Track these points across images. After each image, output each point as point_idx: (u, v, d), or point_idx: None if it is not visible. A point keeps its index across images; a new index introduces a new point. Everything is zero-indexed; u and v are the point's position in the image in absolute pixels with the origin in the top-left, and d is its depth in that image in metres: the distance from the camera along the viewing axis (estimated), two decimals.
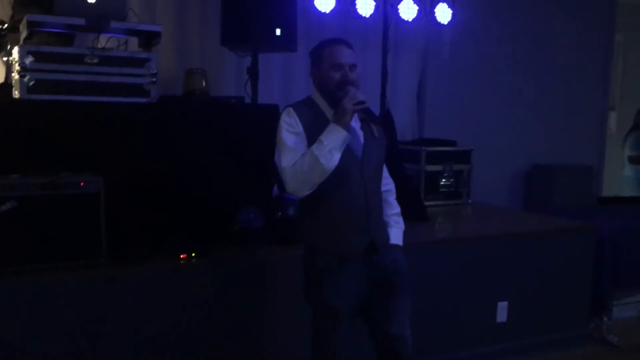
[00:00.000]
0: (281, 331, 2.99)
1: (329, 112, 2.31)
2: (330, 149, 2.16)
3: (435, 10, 4.43)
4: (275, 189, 3.66)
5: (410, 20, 4.37)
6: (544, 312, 3.80)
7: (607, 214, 5.03)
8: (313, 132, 2.24)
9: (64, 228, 2.67)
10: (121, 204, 2.84)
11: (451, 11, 4.46)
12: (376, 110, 4.30)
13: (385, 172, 2.56)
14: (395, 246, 2.48)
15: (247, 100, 3.67)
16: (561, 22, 5.64)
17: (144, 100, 3.07)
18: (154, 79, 3.09)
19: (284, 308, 3.00)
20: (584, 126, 5.94)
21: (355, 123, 2.35)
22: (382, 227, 2.46)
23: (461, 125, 5.09)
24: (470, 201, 4.75)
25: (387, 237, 2.46)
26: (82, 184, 2.71)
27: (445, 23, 4.50)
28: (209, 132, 3.15)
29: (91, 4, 2.94)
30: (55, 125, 2.86)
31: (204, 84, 3.41)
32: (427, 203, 4.42)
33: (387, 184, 2.56)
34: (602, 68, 6.04)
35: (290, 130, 2.27)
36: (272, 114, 3.37)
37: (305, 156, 2.19)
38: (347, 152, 2.25)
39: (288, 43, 3.66)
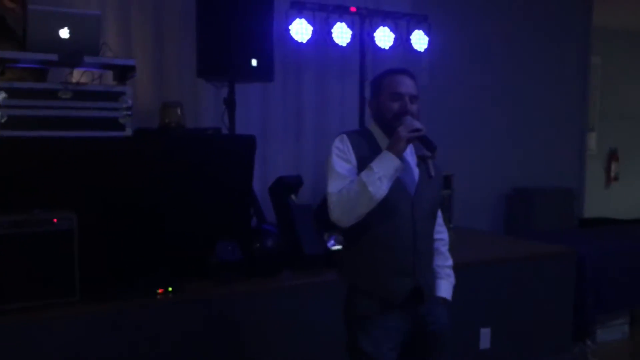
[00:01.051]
0: None
1: (384, 144, 2.15)
2: (381, 176, 2.02)
3: (411, 37, 4.47)
4: (254, 220, 3.65)
5: (387, 48, 4.41)
6: (528, 338, 3.78)
7: (588, 236, 5.06)
8: (365, 161, 2.10)
9: (37, 266, 2.63)
10: (96, 240, 2.81)
11: (427, 38, 4.50)
12: None
13: (440, 220, 2.38)
14: (443, 300, 2.30)
15: (225, 131, 3.66)
16: (538, 46, 5.72)
17: (119, 134, 3.05)
18: (129, 113, 3.07)
19: (264, 342, 2.96)
20: (563, 148, 5.99)
21: (412, 159, 2.24)
22: (431, 276, 2.28)
23: (442, 150, 5.01)
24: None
25: (434, 289, 2.28)
26: (55, 220, 2.67)
27: (422, 50, 4.54)
28: (185, 164, 3.12)
29: (64, 39, 2.92)
30: (28, 162, 2.82)
31: (179, 115, 3.39)
32: None
33: (441, 232, 2.39)
34: (580, 90, 6.11)
35: (341, 156, 2.15)
36: (249, 145, 3.37)
37: (353, 183, 2.06)
38: (399, 186, 2.12)
39: (265, 73, 3.66)
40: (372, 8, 4.54)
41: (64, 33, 2.93)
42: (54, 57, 2.89)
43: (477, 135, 5.40)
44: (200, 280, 3.00)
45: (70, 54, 2.92)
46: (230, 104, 3.68)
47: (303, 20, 4.08)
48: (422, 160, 2.20)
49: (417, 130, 2.08)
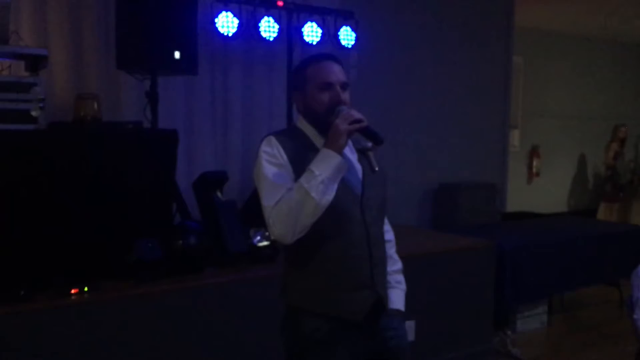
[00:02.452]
0: None
1: (318, 141, 1.90)
2: (324, 179, 1.74)
3: (339, 33, 4.48)
4: (178, 217, 3.57)
5: (314, 43, 4.39)
6: (451, 329, 3.87)
7: (510, 229, 5.23)
8: (300, 164, 1.82)
9: None
10: (6, 239, 2.66)
11: (355, 34, 4.52)
12: None
13: (385, 219, 2.10)
14: (397, 312, 2.04)
15: (147, 125, 3.55)
16: (462, 45, 5.85)
17: (30, 127, 2.90)
18: (42, 105, 2.93)
19: (183, 342, 2.89)
20: (487, 145, 6.16)
21: (352, 154, 1.97)
22: (386, 286, 2.02)
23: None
24: None
25: (387, 300, 2.02)
26: None
27: (350, 46, 4.55)
28: (101, 159, 3.01)
29: None
30: None
31: (95, 108, 3.26)
32: None
33: (387, 231, 2.12)
34: (502, 89, 6.30)
35: (271, 162, 1.84)
36: (170, 139, 3.29)
37: (292, 191, 1.77)
38: (344, 188, 1.85)
39: (188, 66, 3.57)
40: (300, 3, 4.52)
41: None
42: None
43: (404, 132, 5.48)
44: (118, 279, 2.89)
45: None
46: (152, 97, 3.57)
47: (229, 13, 4.01)
48: (362, 153, 1.93)
49: (358, 120, 1.81)
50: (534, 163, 8.56)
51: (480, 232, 4.64)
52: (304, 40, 4.37)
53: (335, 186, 1.78)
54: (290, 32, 4.30)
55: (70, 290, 2.71)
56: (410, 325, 3.66)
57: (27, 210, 2.78)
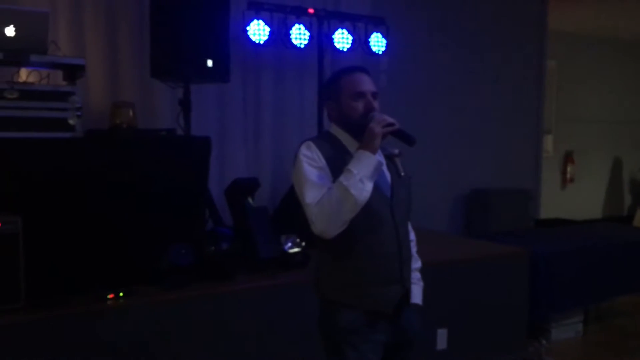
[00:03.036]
0: None
1: (352, 146, 2.06)
2: (362, 177, 1.89)
3: (369, 40, 4.49)
4: (210, 223, 3.61)
5: (345, 50, 4.41)
6: (483, 338, 3.81)
7: (544, 236, 5.14)
8: (336, 167, 1.99)
9: None
10: (43, 245, 2.72)
11: (385, 40, 4.52)
12: None
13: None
14: (414, 307, 2.19)
15: (180, 132, 3.60)
16: (495, 49, 5.80)
17: (67, 134, 2.97)
18: (79, 113, 3.00)
19: (215, 346, 2.91)
20: (520, 150, 6.09)
21: (381, 159, 2.07)
22: (411, 281, 2.19)
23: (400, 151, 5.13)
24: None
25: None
26: None
27: (380, 52, 4.56)
28: (137, 166, 3.06)
29: (10, 37, 2.84)
30: None
31: (131, 116, 3.32)
32: None
33: (410, 231, 2.25)
34: (536, 93, 6.22)
35: (312, 164, 2.00)
36: (204, 146, 3.33)
37: (332, 190, 1.92)
38: (375, 190, 1.98)
39: (221, 74, 3.62)
40: (331, 10, 4.54)
41: (10, 31, 2.85)
42: None
43: (436, 137, 5.45)
44: (151, 284, 2.93)
45: (16, 53, 2.84)
46: (185, 104, 3.63)
47: (261, 21, 4.06)
48: (390, 160, 2.11)
49: (391, 124, 1.98)
50: (568, 169, 8.40)
51: (513, 239, 4.58)
52: (335, 47, 4.39)
53: (372, 184, 1.93)
54: (321, 39, 4.32)
55: (107, 295, 2.76)
56: (442, 333, 3.64)
57: (64, 215, 2.84)
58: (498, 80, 5.80)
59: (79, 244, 2.85)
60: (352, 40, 4.42)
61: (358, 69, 2.15)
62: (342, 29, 4.37)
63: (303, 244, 3.45)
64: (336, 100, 2.12)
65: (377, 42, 4.52)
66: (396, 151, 2.09)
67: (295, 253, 3.41)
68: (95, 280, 2.81)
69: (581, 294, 4.54)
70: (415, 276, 2.24)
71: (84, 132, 3.08)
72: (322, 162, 2.01)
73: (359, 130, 2.02)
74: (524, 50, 6.06)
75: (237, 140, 4.36)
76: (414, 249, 2.27)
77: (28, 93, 2.90)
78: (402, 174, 2.08)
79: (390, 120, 1.99)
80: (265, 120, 4.51)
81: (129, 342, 2.71)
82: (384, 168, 2.09)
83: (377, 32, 4.51)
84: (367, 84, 2.10)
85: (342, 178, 1.91)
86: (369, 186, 1.91)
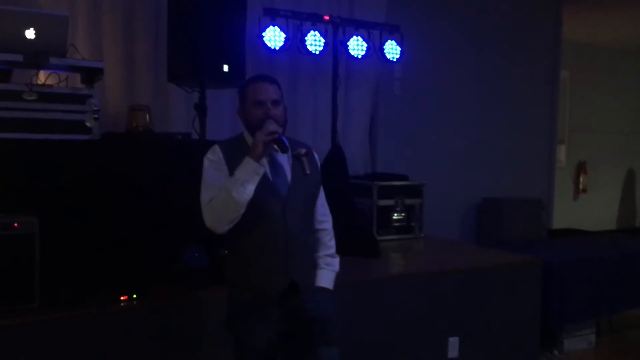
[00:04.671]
0: None
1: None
2: (243, 181, 2.14)
3: (384, 47, 4.50)
4: None
5: (359, 56, 4.43)
6: (495, 347, 3.79)
7: (556, 247, 5.12)
8: (232, 168, 2.23)
9: None
10: (58, 246, 2.74)
11: (399, 48, 4.53)
12: (327, 145, 4.33)
13: (323, 209, 2.48)
14: (322, 289, 2.39)
15: (195, 136, 3.62)
16: (509, 59, 5.80)
17: (85, 137, 3.00)
18: (96, 116, 3.03)
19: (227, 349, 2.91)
20: (533, 159, 6.07)
21: (286, 161, 2.34)
22: (309, 269, 2.39)
23: (412, 159, 5.14)
24: (422, 235, 4.77)
25: (315, 279, 2.39)
26: (15, 225, 2.60)
27: (395, 60, 4.57)
28: (152, 169, 3.08)
29: (30, 39, 2.87)
30: None
31: (147, 120, 3.35)
32: (379, 237, 4.43)
33: (323, 221, 2.47)
34: (550, 103, 6.21)
35: (212, 166, 2.27)
36: None
37: (220, 191, 2.18)
38: (269, 189, 2.24)
39: (236, 79, 3.62)
40: (346, 17, 4.56)
41: (30, 34, 2.88)
42: (19, 57, 2.85)
43: (448, 145, 5.45)
44: (166, 286, 2.94)
45: (36, 55, 2.87)
46: (201, 109, 3.63)
47: (276, 27, 4.08)
48: (297, 159, 2.32)
49: (272, 133, 2.19)
50: (581, 179, 8.37)
51: (525, 249, 4.56)
52: (349, 54, 4.41)
53: (253, 186, 2.16)
54: (335, 46, 4.34)
55: (120, 297, 2.77)
56: (454, 341, 3.63)
57: (79, 217, 2.86)
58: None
59: (94, 246, 2.88)
60: (367, 47, 4.43)
61: (263, 78, 2.36)
62: (357, 36, 4.39)
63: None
64: (243, 106, 2.35)
65: (392, 50, 4.53)
66: (302, 151, 2.32)
67: None
68: (109, 282, 2.83)
69: (594, 305, 4.51)
70: (325, 261, 2.43)
71: (100, 134, 3.11)
72: (223, 165, 2.25)
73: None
74: (538, 60, 6.05)
75: None
76: (326, 237, 2.45)
77: (47, 95, 2.94)
78: (307, 172, 2.29)
79: (273, 129, 2.19)
80: None
81: (142, 343, 2.72)
82: (288, 167, 2.32)
83: (391, 39, 4.52)
84: (268, 92, 2.29)
85: (227, 181, 2.17)
86: (249, 188, 2.15)
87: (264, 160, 2.24)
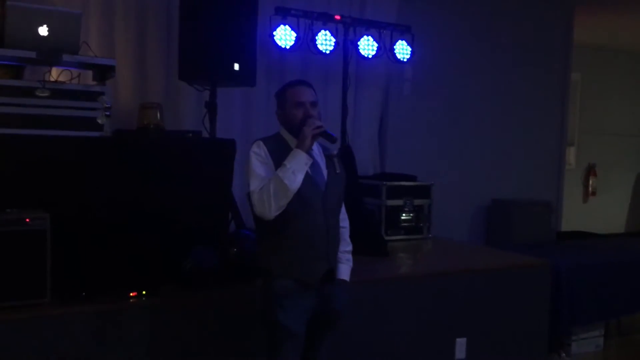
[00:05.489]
0: None
1: (294, 145, 2.45)
2: (294, 170, 2.33)
3: (395, 47, 4.50)
4: (232, 225, 3.62)
5: (370, 57, 4.43)
6: (503, 348, 3.78)
7: (565, 249, 5.10)
8: (279, 162, 2.38)
9: (7, 266, 2.57)
10: (69, 242, 2.76)
11: (410, 49, 4.53)
12: (336, 144, 4.33)
13: (343, 209, 2.67)
14: (343, 282, 2.61)
15: (206, 135, 3.64)
16: (520, 61, 5.78)
17: (96, 134, 3.02)
18: (108, 113, 3.05)
19: (236, 347, 2.92)
20: (542, 161, 6.04)
21: (321, 160, 2.55)
22: (337, 260, 2.60)
23: (422, 160, 5.13)
24: (430, 236, 4.76)
25: (337, 272, 2.60)
26: (27, 220, 2.62)
27: (405, 60, 4.56)
28: (162, 166, 3.09)
29: (43, 36, 2.90)
30: (3, 160, 2.78)
31: (158, 117, 3.36)
32: (387, 238, 4.43)
33: (344, 219, 2.69)
34: (560, 105, 6.18)
35: (259, 160, 2.43)
36: (229, 149, 3.35)
37: (271, 180, 2.35)
38: (311, 183, 2.43)
39: (247, 78, 3.65)
40: (357, 17, 4.56)
41: (43, 30, 2.90)
42: (32, 54, 2.87)
43: (458, 146, 5.43)
44: (174, 284, 2.96)
45: (49, 52, 2.89)
46: (211, 107, 3.66)
47: (287, 26, 4.08)
48: (329, 159, 2.57)
49: (319, 127, 2.40)
50: (590, 182, 8.33)
51: (534, 251, 4.54)
52: (360, 54, 4.41)
53: (302, 175, 2.35)
54: (346, 46, 4.34)
55: (129, 293, 2.79)
56: (461, 342, 3.62)
57: (90, 214, 2.88)
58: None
59: (105, 243, 2.88)
60: (377, 47, 4.43)
61: (301, 83, 2.59)
62: (367, 35, 4.39)
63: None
64: (282, 108, 2.55)
65: (402, 50, 4.52)
66: (334, 152, 2.61)
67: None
68: (119, 279, 2.84)
69: (602, 308, 4.49)
70: (345, 257, 2.63)
71: (112, 131, 3.13)
72: (268, 158, 2.42)
73: (299, 132, 2.43)
74: (549, 62, 6.02)
75: None
76: (346, 234, 2.66)
77: (59, 92, 2.96)
78: (338, 171, 2.55)
79: (319, 123, 2.42)
80: None
81: (150, 340, 2.74)
82: (323, 166, 2.54)
83: (402, 39, 4.51)
84: (306, 95, 2.51)
85: (278, 170, 2.35)
86: (299, 177, 2.34)
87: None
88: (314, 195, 2.45)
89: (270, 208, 2.33)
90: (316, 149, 2.55)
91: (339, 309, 2.59)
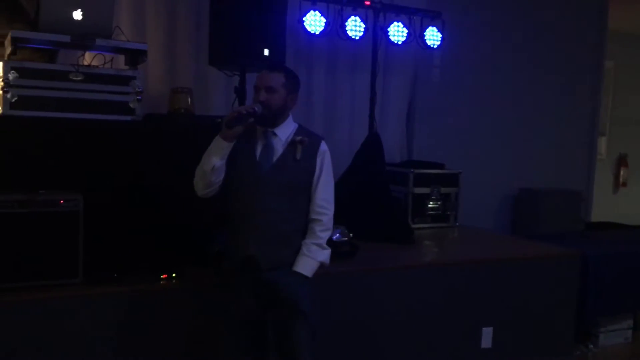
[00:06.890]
0: None
1: (258, 130, 2.54)
2: (210, 153, 2.44)
3: (425, 33, 4.46)
4: None
5: (399, 43, 4.40)
6: (529, 338, 3.77)
7: (594, 240, 5.02)
8: (239, 146, 2.48)
9: (41, 247, 2.63)
10: (101, 223, 2.81)
11: (440, 35, 4.48)
12: (364, 131, 4.32)
13: (324, 202, 2.56)
14: (296, 273, 2.47)
15: None
16: (552, 48, 5.68)
17: (128, 118, 3.06)
18: (139, 97, 3.08)
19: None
20: (573, 151, 5.95)
21: (281, 145, 2.51)
22: (280, 248, 2.48)
23: (450, 148, 5.10)
24: (457, 224, 4.74)
25: (284, 260, 2.48)
26: (61, 202, 2.68)
27: (435, 47, 4.52)
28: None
29: (77, 21, 2.93)
30: (37, 142, 2.83)
31: (189, 102, 3.39)
32: (414, 225, 4.42)
33: (320, 213, 2.55)
34: (592, 94, 6.07)
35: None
36: None
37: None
38: (250, 166, 2.47)
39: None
40: (387, 2, 4.52)
41: (77, 15, 2.93)
42: (66, 38, 2.90)
43: (487, 134, 5.38)
44: (200, 267, 2.99)
45: (83, 36, 2.93)
46: (240, 93, 3.66)
47: (317, 12, 4.07)
48: (292, 144, 2.50)
49: (238, 112, 2.42)
50: (621, 172, 8.17)
51: (562, 241, 4.48)
52: (390, 40, 4.37)
53: (216, 158, 2.42)
54: (375, 32, 4.31)
55: (160, 275, 2.83)
56: (487, 331, 3.61)
57: (121, 196, 2.92)
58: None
59: (135, 225, 2.93)
60: (407, 33, 4.39)
61: (268, 67, 2.59)
62: (397, 22, 4.36)
63: (351, 235, 3.46)
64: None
65: (432, 37, 4.48)
66: (298, 138, 2.50)
67: (343, 243, 3.42)
68: (148, 261, 2.89)
69: (631, 299, 4.42)
70: (307, 248, 2.50)
71: (143, 116, 3.16)
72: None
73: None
74: (583, 50, 5.91)
75: None
76: (317, 227, 2.53)
77: (92, 76, 3.00)
78: (297, 157, 2.47)
79: (245, 109, 2.42)
80: (316, 110, 4.54)
81: (179, 322, 2.78)
82: (280, 151, 2.48)
83: (432, 26, 4.47)
84: (263, 80, 2.51)
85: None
86: (213, 159, 2.41)
87: (258, 140, 2.50)
88: (249, 178, 2.46)
89: (197, 186, 2.51)
90: (284, 133, 2.51)
91: (289, 297, 2.44)
